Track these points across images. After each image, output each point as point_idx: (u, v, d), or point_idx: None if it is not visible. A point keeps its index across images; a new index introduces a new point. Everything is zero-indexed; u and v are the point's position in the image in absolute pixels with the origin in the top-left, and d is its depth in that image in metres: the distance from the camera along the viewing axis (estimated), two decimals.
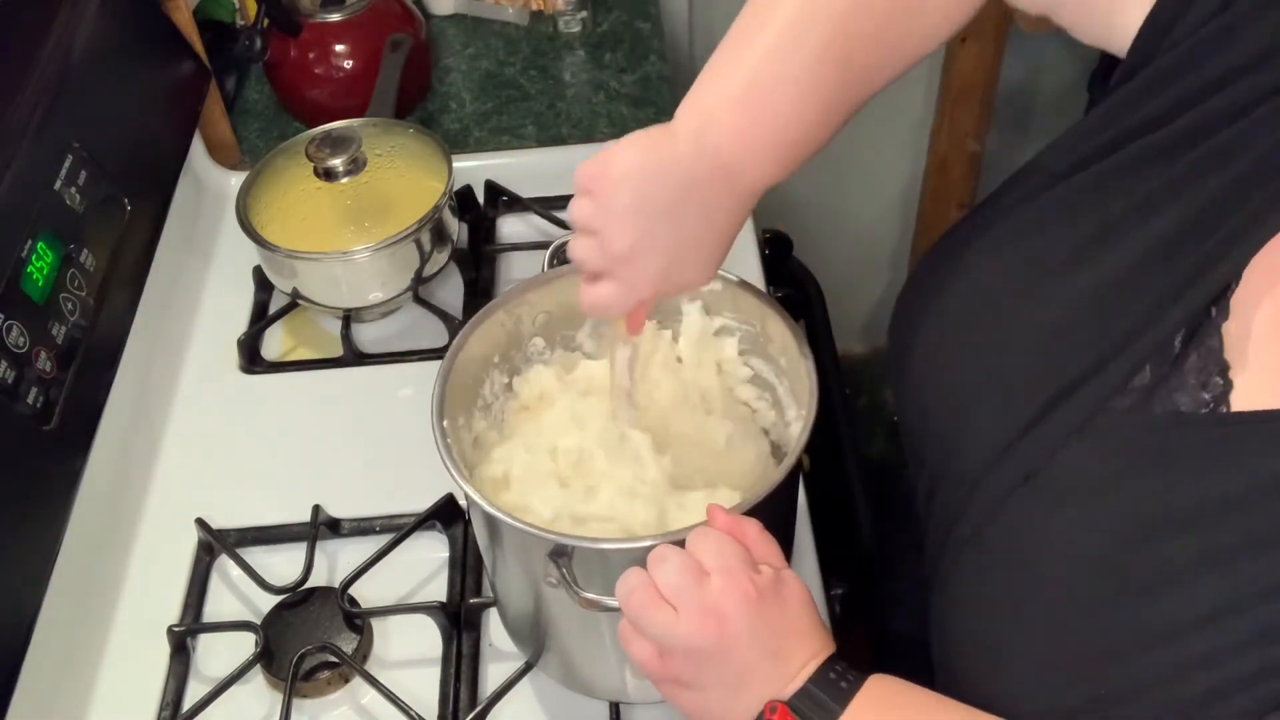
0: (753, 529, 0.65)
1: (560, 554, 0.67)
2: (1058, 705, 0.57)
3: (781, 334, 0.79)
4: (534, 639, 0.80)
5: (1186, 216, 0.58)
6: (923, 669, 0.68)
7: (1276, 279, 0.55)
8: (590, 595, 0.66)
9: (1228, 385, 0.55)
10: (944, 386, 0.68)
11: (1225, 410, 0.54)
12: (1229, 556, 0.51)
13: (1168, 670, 0.52)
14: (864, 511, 1.12)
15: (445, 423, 0.74)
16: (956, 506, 0.64)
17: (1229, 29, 0.58)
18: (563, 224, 1.16)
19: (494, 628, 0.87)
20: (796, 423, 0.80)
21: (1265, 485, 0.51)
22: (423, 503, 0.91)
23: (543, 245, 1.09)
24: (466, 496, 0.70)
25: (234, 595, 0.92)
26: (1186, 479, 0.54)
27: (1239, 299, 0.56)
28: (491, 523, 0.71)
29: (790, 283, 1.28)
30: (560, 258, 0.89)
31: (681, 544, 0.63)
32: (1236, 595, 0.50)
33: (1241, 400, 0.54)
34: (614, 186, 0.65)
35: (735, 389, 0.85)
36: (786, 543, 0.81)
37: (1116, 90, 0.64)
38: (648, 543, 0.65)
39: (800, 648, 0.62)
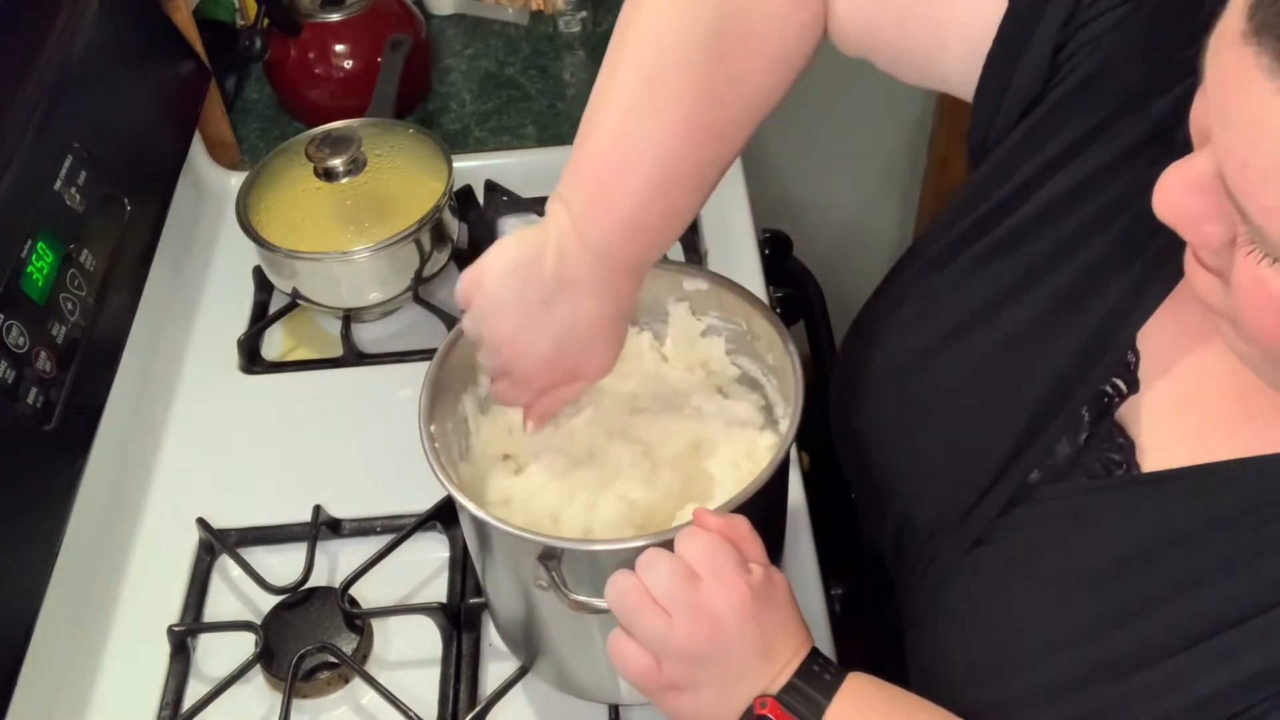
0: (743, 525, 0.65)
1: (549, 556, 0.67)
2: None
3: (768, 332, 0.79)
4: (527, 644, 0.81)
5: (1061, 294, 0.62)
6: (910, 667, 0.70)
7: (1167, 350, 0.59)
8: (580, 598, 0.66)
9: (1131, 448, 0.59)
10: (888, 464, 0.72)
11: (1135, 472, 0.59)
12: (1144, 607, 0.55)
13: (1111, 704, 0.56)
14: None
15: (433, 427, 0.74)
16: (919, 572, 0.68)
17: (1059, 106, 0.62)
18: None
19: (494, 628, 0.87)
20: (784, 420, 0.80)
21: (1169, 538, 0.56)
22: (423, 503, 0.91)
23: None
24: (455, 501, 0.70)
25: (234, 595, 0.92)
26: (1105, 536, 0.58)
27: (1144, 371, 0.60)
28: (480, 526, 0.71)
29: (790, 283, 1.28)
30: None
31: (670, 545, 0.63)
32: (1160, 640, 0.54)
33: (1151, 464, 0.59)
34: (488, 291, 0.69)
35: (723, 388, 0.85)
36: (776, 540, 0.81)
37: (980, 165, 0.68)
38: (637, 544, 0.65)
39: (787, 643, 0.63)
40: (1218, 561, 0.54)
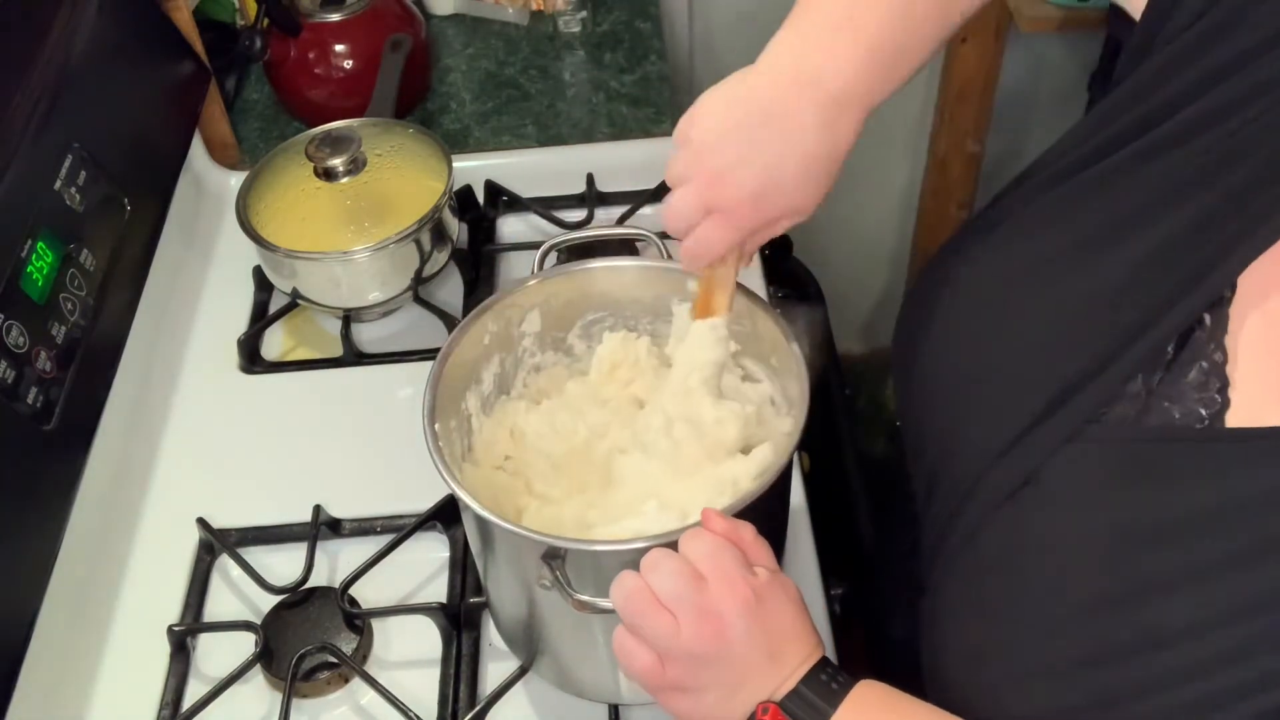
0: (748, 533, 0.65)
1: (553, 556, 0.67)
2: (1042, 712, 0.57)
3: (772, 333, 0.79)
4: (528, 643, 0.80)
5: (1184, 222, 0.58)
6: (917, 675, 0.68)
7: (1267, 297, 0.55)
8: (584, 597, 0.66)
9: (1225, 402, 0.55)
10: (943, 388, 0.68)
11: (1220, 425, 0.54)
12: (1214, 571, 0.51)
13: (1151, 680, 0.52)
14: (864, 511, 1.12)
15: (437, 426, 0.74)
16: (952, 510, 0.65)
17: (1226, 18, 0.58)
18: (562, 224, 1.16)
19: (494, 628, 0.87)
20: (789, 421, 0.80)
21: (1250, 501, 0.51)
22: (423, 503, 0.91)
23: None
24: (458, 499, 0.70)
25: (234, 595, 0.92)
26: (1175, 492, 0.54)
27: (1236, 309, 0.56)
28: (483, 526, 0.71)
29: (790, 283, 1.28)
30: (550, 259, 0.89)
31: (674, 546, 0.63)
32: (1217, 610, 0.51)
33: (1238, 418, 0.54)
34: (699, 122, 0.68)
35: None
36: (779, 543, 0.81)
37: (1119, 85, 0.63)
38: (641, 544, 0.64)
39: (794, 650, 0.62)
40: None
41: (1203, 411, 0.55)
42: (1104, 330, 0.59)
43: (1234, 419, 0.54)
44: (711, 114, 0.68)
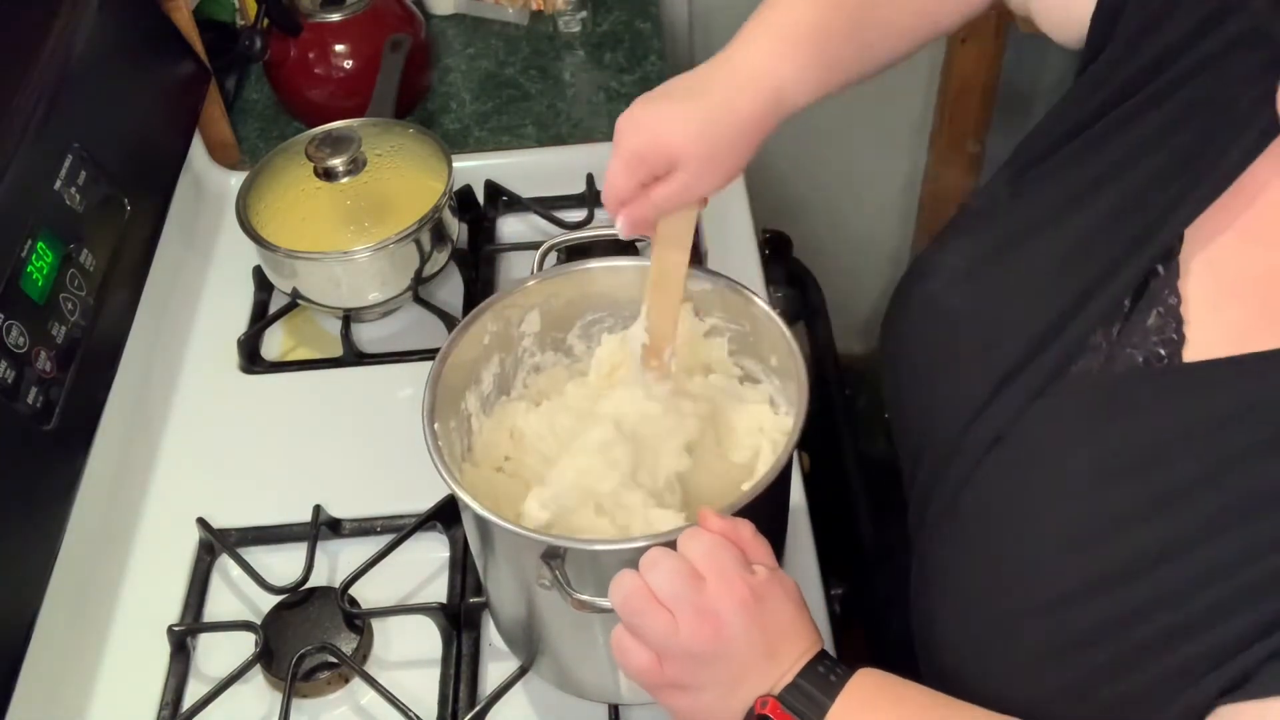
0: (746, 530, 0.65)
1: (553, 555, 0.67)
2: (1031, 652, 0.59)
3: (771, 333, 0.79)
4: (528, 643, 0.80)
5: (1134, 186, 0.63)
6: (916, 674, 0.68)
7: (1212, 244, 0.59)
8: (583, 597, 0.66)
9: (1182, 338, 0.59)
10: (920, 366, 0.71)
11: (1178, 361, 0.58)
12: (1181, 494, 0.54)
13: (1134, 608, 0.54)
14: (864, 511, 1.12)
15: (437, 425, 0.74)
16: (933, 478, 0.67)
17: (1169, 8, 0.63)
18: (561, 224, 1.16)
19: (494, 628, 0.87)
20: (787, 420, 0.80)
21: (1209, 423, 0.54)
22: (423, 503, 0.91)
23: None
24: (458, 499, 0.70)
25: (234, 595, 0.92)
26: (1139, 425, 0.57)
27: (1184, 257, 0.60)
28: (483, 525, 0.71)
29: (790, 283, 1.28)
30: (549, 259, 0.89)
31: (673, 545, 0.63)
32: (1190, 531, 0.53)
33: (1192, 353, 0.58)
34: (638, 104, 0.74)
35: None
36: (778, 541, 0.81)
37: (1080, 76, 0.69)
38: (641, 544, 0.65)
39: (792, 646, 0.62)
40: (1249, 448, 0.53)
41: (1161, 351, 0.59)
42: (1064, 291, 0.63)
43: (1190, 355, 0.58)
44: (648, 98, 0.74)
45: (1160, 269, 0.61)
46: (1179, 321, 0.59)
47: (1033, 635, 0.58)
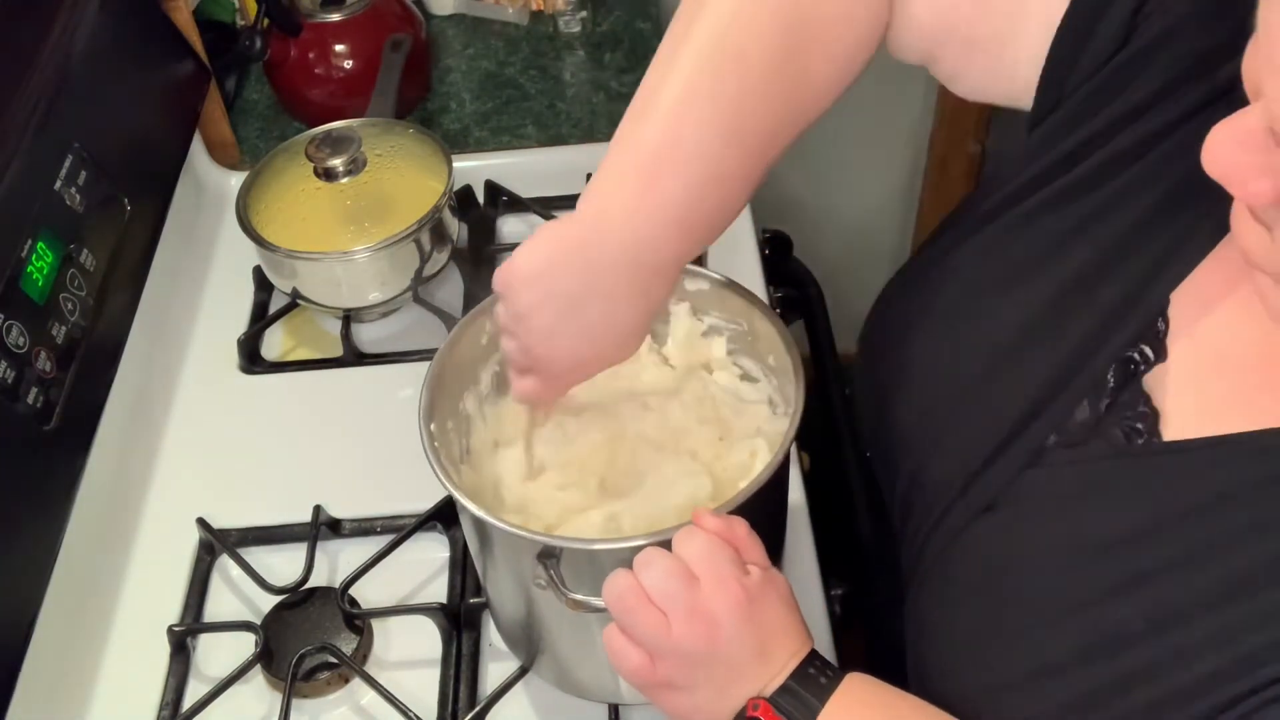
0: (741, 529, 0.65)
1: (548, 555, 0.67)
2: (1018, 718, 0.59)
3: (769, 332, 0.79)
4: (527, 643, 0.81)
5: (1104, 250, 0.61)
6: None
7: (1204, 311, 0.58)
8: (578, 596, 0.66)
9: (1155, 417, 0.58)
10: (905, 424, 0.71)
11: (1156, 441, 0.58)
12: (1158, 576, 0.54)
13: (1112, 683, 0.55)
14: (864, 511, 1.11)
15: (434, 426, 0.74)
16: (923, 538, 0.67)
17: (1128, 66, 0.61)
18: None
19: (494, 628, 0.87)
20: (785, 419, 0.80)
21: (1183, 511, 0.55)
22: (423, 503, 0.91)
23: None
24: (455, 500, 0.71)
25: (234, 595, 0.92)
26: (1118, 506, 0.58)
27: (1172, 337, 0.59)
28: (480, 526, 0.71)
29: (790, 283, 1.27)
30: None
31: (668, 545, 0.63)
32: (1166, 613, 0.54)
33: (1172, 433, 0.58)
34: (520, 286, 0.67)
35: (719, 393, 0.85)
36: (776, 541, 0.81)
37: (1033, 132, 0.66)
38: (636, 543, 0.65)
39: (784, 646, 0.63)
40: (1229, 534, 0.53)
41: (1139, 426, 0.59)
42: (1042, 359, 0.62)
43: (1168, 430, 0.58)
44: (530, 276, 0.66)
45: (1145, 348, 0.60)
46: (1149, 401, 0.59)
47: (1015, 706, 0.59)
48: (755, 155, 0.66)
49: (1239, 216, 0.49)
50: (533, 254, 0.66)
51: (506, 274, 0.67)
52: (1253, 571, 0.52)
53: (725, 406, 0.83)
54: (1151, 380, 0.59)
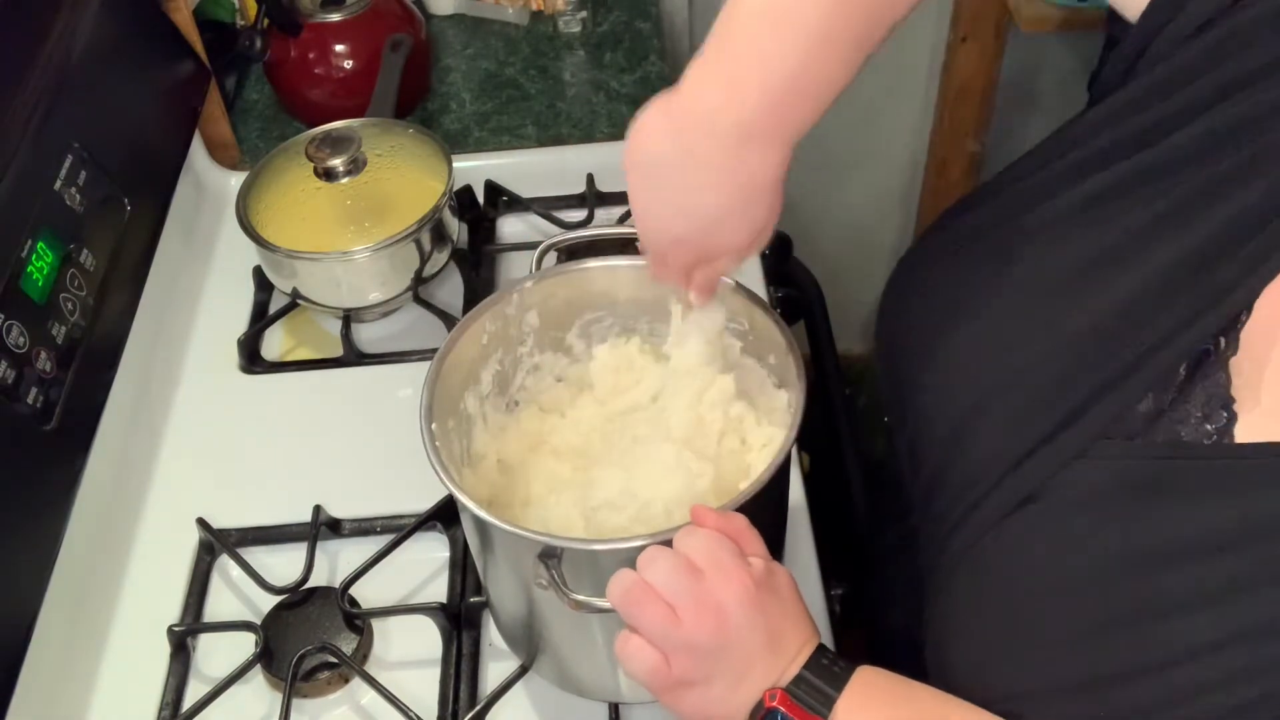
0: (740, 523, 0.65)
1: (550, 555, 0.67)
2: None
3: (770, 332, 0.79)
4: (528, 642, 0.81)
5: (1196, 242, 0.57)
6: (917, 667, 0.68)
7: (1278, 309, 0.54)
8: (580, 597, 0.66)
9: (1232, 418, 0.54)
10: (943, 393, 0.67)
11: (1228, 442, 0.54)
12: (1224, 592, 0.51)
13: (1156, 701, 0.52)
14: (864, 511, 1.12)
15: (434, 425, 0.74)
16: (953, 519, 0.64)
17: (1240, 31, 0.56)
18: (562, 224, 1.16)
19: (494, 628, 0.87)
20: (785, 419, 0.80)
21: (1263, 522, 0.51)
22: (423, 503, 0.91)
23: None
24: (456, 499, 0.71)
25: (234, 595, 0.92)
26: (1185, 510, 0.54)
27: (1249, 331, 0.55)
28: (481, 525, 0.71)
29: (790, 283, 1.27)
30: (548, 259, 0.89)
31: (669, 544, 0.63)
32: (1228, 632, 0.51)
33: (1245, 434, 0.54)
34: (632, 153, 0.67)
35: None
36: (777, 539, 0.81)
37: (1118, 91, 0.62)
38: (637, 543, 0.65)
39: (793, 636, 0.63)
40: None
41: (1210, 427, 0.55)
42: (1112, 350, 0.58)
43: (1242, 435, 0.54)
44: (640, 146, 0.66)
45: (1223, 341, 0.55)
46: (1228, 400, 0.55)
47: (1048, 715, 0.57)
48: (862, 19, 0.63)
49: None
50: (641, 118, 0.66)
51: (629, 141, 0.67)
52: None
53: (725, 406, 0.83)
54: (1226, 376, 0.55)
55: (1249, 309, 0.55)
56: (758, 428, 0.82)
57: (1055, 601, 0.58)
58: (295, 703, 0.83)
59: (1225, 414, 0.54)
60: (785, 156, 0.66)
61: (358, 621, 0.87)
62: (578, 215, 1.17)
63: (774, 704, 0.60)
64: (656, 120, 0.65)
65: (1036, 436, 0.60)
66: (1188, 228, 0.57)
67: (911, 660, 0.69)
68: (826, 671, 0.61)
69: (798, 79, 0.63)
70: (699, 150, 0.64)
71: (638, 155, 0.66)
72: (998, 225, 0.67)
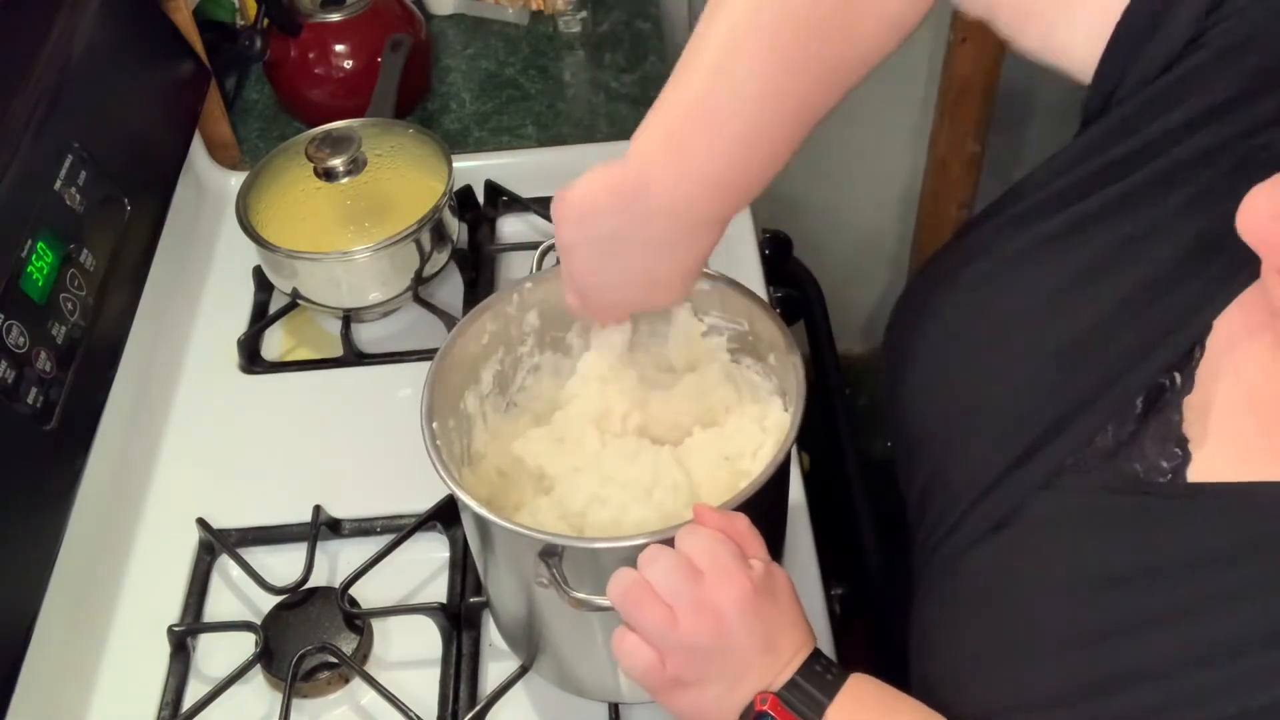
0: (742, 524, 0.65)
1: (550, 554, 0.67)
2: None
3: (769, 332, 0.79)
4: (528, 642, 0.81)
5: (1154, 272, 0.59)
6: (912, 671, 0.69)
7: (1236, 346, 0.56)
8: (581, 595, 0.66)
9: (1186, 457, 0.56)
10: (930, 422, 0.70)
11: (1181, 481, 0.56)
12: (1176, 617, 0.53)
13: (1125, 715, 0.53)
14: (864, 511, 1.12)
15: (435, 424, 0.74)
16: (935, 540, 0.66)
17: (1197, 71, 0.58)
18: None
19: (494, 628, 0.87)
20: (786, 419, 0.80)
21: (1210, 554, 0.53)
22: (423, 503, 0.91)
23: None
24: (456, 498, 0.71)
25: (234, 595, 0.92)
26: (1139, 541, 0.56)
27: (1202, 370, 0.57)
28: (482, 524, 0.71)
29: (790, 283, 1.28)
30: (548, 258, 0.89)
31: (670, 543, 0.63)
32: (1181, 655, 0.52)
33: (1199, 472, 0.56)
34: (570, 222, 0.68)
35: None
36: (777, 539, 0.81)
37: (1094, 124, 0.64)
38: (638, 541, 0.65)
39: (789, 640, 0.63)
40: (1247, 586, 0.51)
41: (1164, 464, 0.57)
42: (1071, 381, 0.61)
43: (1195, 474, 0.56)
44: (578, 215, 0.68)
45: (1178, 376, 0.57)
46: (1181, 439, 0.57)
47: None
48: (796, 116, 0.65)
49: (1270, 277, 0.48)
50: (583, 192, 0.67)
51: (560, 205, 0.69)
52: (1268, 629, 0.50)
53: (725, 406, 0.83)
54: (1179, 415, 0.57)
55: (1202, 344, 0.57)
56: (757, 428, 0.82)
57: (1026, 621, 0.59)
58: (295, 703, 0.83)
59: (1180, 452, 0.56)
60: (726, 227, 0.70)
61: (358, 621, 0.87)
62: None
63: (764, 708, 0.61)
64: (603, 197, 0.67)
65: (1004, 465, 0.62)
66: (1144, 259, 0.60)
67: (909, 663, 0.70)
68: (819, 678, 0.62)
69: (749, 164, 0.66)
70: (653, 228, 0.67)
71: (591, 229, 0.68)
72: (987, 251, 0.69)
